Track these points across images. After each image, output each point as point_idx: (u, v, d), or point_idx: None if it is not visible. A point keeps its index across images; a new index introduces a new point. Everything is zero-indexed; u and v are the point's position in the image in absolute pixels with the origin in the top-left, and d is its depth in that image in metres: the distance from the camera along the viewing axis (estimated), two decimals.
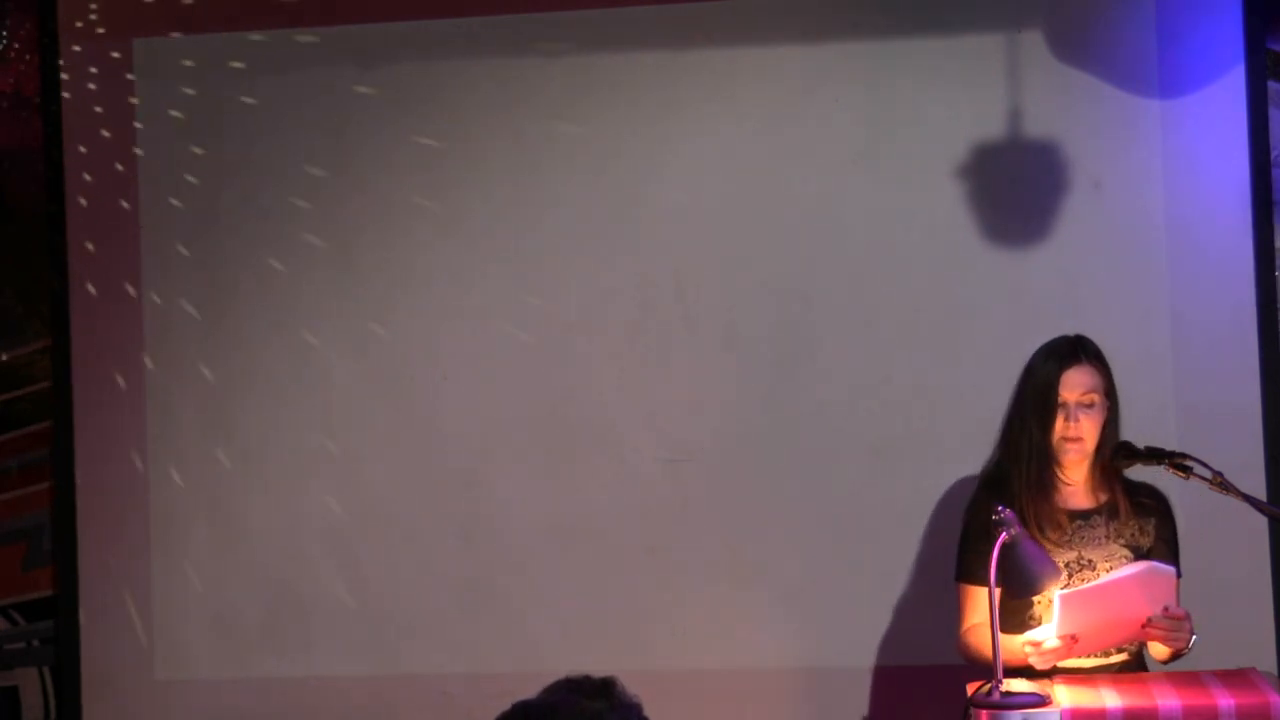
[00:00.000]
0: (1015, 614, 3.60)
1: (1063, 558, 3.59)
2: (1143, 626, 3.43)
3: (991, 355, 4.31)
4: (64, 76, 4.65)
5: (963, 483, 4.30)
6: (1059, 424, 3.61)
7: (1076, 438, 3.60)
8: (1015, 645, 3.48)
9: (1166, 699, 3.21)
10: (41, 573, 4.70)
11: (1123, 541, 3.62)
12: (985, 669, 3.45)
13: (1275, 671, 4.13)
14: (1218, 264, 4.29)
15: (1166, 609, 3.41)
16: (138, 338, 4.62)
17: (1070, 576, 3.59)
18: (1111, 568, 3.58)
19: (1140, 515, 3.64)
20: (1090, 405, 3.60)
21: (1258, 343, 4.27)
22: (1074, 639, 3.39)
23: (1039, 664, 3.41)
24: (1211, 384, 4.27)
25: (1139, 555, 3.62)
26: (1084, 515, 3.64)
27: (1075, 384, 3.61)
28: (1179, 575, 3.64)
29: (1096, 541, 3.62)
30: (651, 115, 4.48)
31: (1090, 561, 3.60)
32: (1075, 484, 3.66)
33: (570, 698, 2.17)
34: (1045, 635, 3.41)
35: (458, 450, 4.52)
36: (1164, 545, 3.64)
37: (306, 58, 4.58)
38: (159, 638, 4.60)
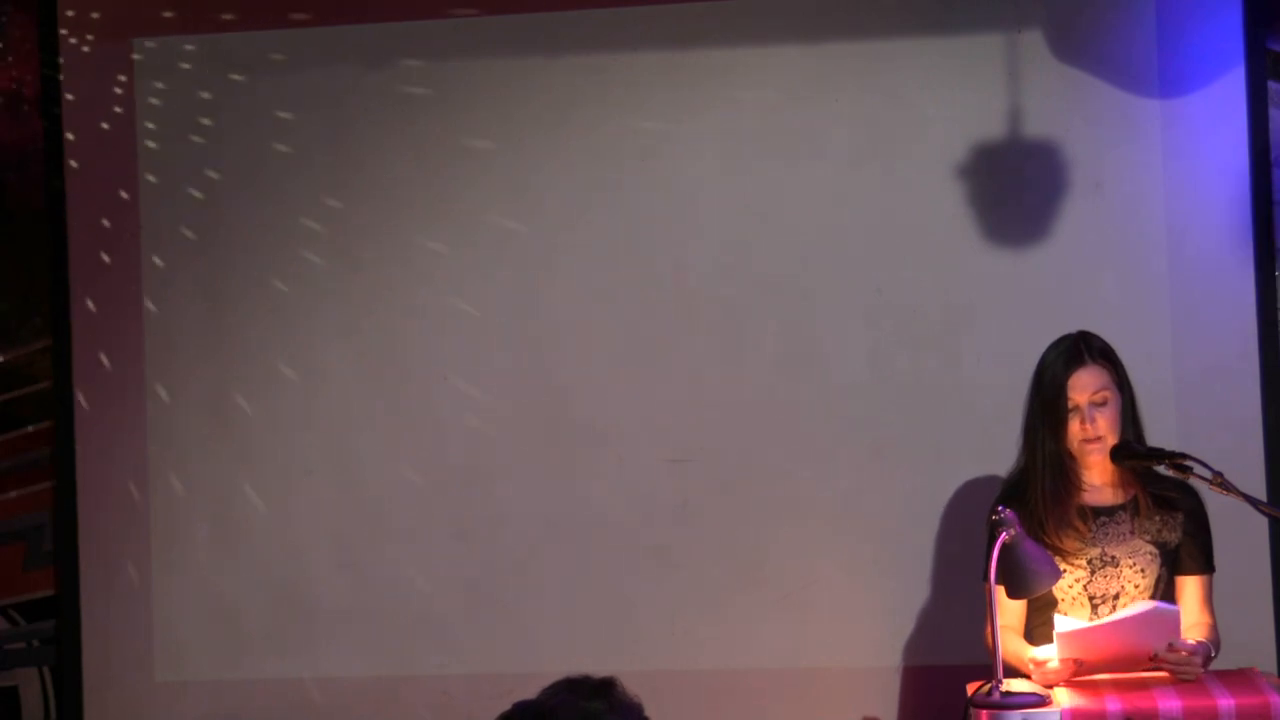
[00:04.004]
0: (1040, 611, 3.60)
1: (1086, 554, 3.59)
2: (1150, 660, 3.41)
3: (991, 355, 4.31)
4: (64, 76, 4.65)
5: (968, 485, 4.30)
6: (1075, 427, 3.60)
7: (1096, 437, 3.59)
8: (1025, 656, 3.49)
9: (1167, 699, 3.21)
10: (41, 573, 4.70)
11: (1148, 537, 3.61)
12: (1009, 669, 3.46)
13: (1275, 671, 4.13)
14: (1218, 264, 4.29)
15: (1172, 645, 3.38)
16: (138, 337, 4.62)
17: (1093, 573, 3.58)
18: (1135, 563, 3.58)
19: (1165, 510, 3.62)
20: (1104, 403, 3.59)
21: (1258, 343, 4.27)
22: (1077, 662, 3.39)
23: (1040, 681, 3.40)
24: (1211, 384, 4.27)
25: (1164, 551, 3.60)
26: (1108, 511, 3.63)
27: (1084, 385, 3.59)
28: (1213, 570, 3.64)
29: (1120, 537, 3.61)
30: (652, 115, 4.48)
31: (1114, 558, 3.59)
32: (1100, 482, 3.66)
33: (570, 698, 2.17)
34: (1048, 657, 3.41)
35: (458, 450, 4.52)
36: (1191, 541, 3.63)
37: (308, 58, 4.58)
38: (159, 638, 4.60)
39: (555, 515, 4.48)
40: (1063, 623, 3.43)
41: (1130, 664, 3.43)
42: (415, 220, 4.55)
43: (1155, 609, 3.40)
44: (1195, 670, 3.38)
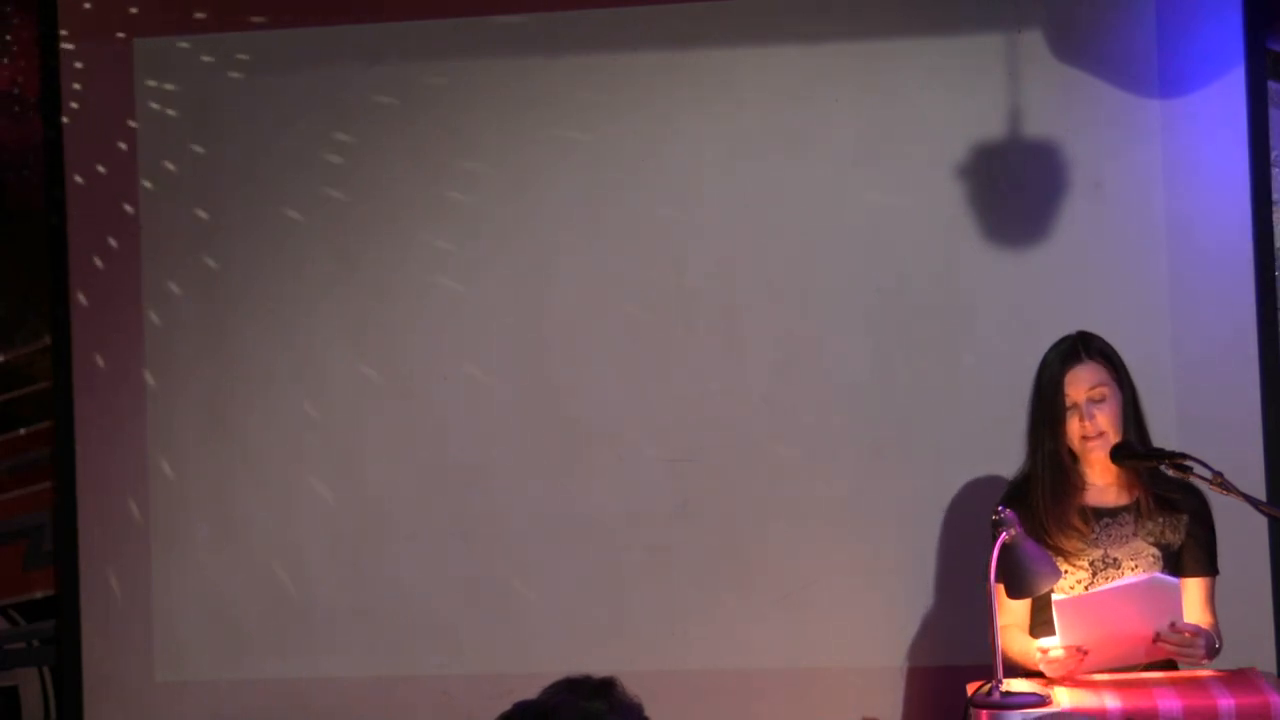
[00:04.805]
0: (1041, 612, 3.60)
1: (1088, 556, 3.59)
2: (1153, 642, 3.42)
3: (991, 355, 4.31)
4: (64, 76, 4.65)
5: (968, 485, 4.30)
6: (1075, 425, 3.60)
7: (1096, 434, 3.59)
8: (1033, 650, 3.49)
9: (1167, 699, 3.21)
10: (41, 573, 4.70)
11: (1151, 540, 3.61)
12: (1016, 668, 3.47)
13: (1275, 671, 4.13)
14: (1218, 264, 4.29)
15: (1174, 625, 3.39)
16: (138, 337, 4.62)
17: (1095, 575, 3.59)
18: (1137, 565, 3.58)
19: (1169, 512, 3.62)
20: (1102, 399, 3.60)
21: (1258, 343, 4.27)
22: (1082, 651, 3.39)
23: (1048, 672, 3.41)
24: (1211, 384, 4.27)
25: (1167, 553, 3.60)
26: (1111, 513, 3.63)
27: (1081, 381, 3.60)
28: (1216, 573, 3.64)
29: (1123, 539, 3.61)
30: (652, 115, 4.48)
31: (1115, 560, 3.59)
32: (1104, 482, 3.65)
33: (570, 698, 2.17)
34: (1052, 644, 3.41)
35: (458, 450, 4.52)
36: (1194, 543, 3.62)
37: (307, 57, 4.58)
38: (159, 638, 4.60)
39: (555, 515, 4.47)
40: (1061, 594, 3.44)
41: (1133, 647, 3.43)
42: (415, 220, 4.55)
43: (1154, 578, 3.42)
44: (1198, 653, 3.39)
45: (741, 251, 4.44)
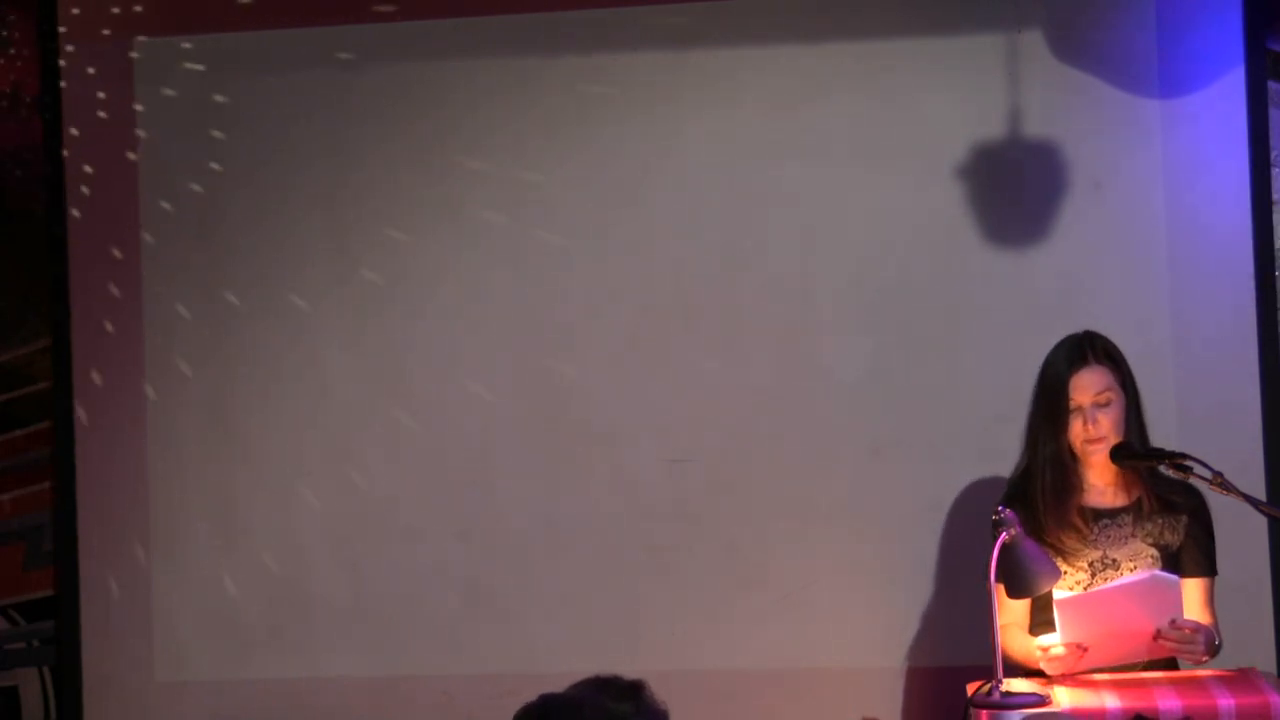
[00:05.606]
0: (1042, 611, 3.60)
1: (1087, 556, 3.59)
2: (1154, 639, 3.42)
3: (991, 355, 4.31)
4: (64, 76, 4.65)
5: (968, 485, 4.30)
6: (1078, 428, 3.59)
7: (1099, 438, 3.58)
8: (1033, 648, 3.49)
9: (1167, 699, 3.21)
10: (41, 573, 4.70)
11: (1150, 540, 3.60)
12: (1017, 668, 3.47)
13: (1275, 671, 4.13)
14: (1218, 264, 4.29)
15: (1174, 621, 3.39)
16: (138, 337, 4.62)
17: (1094, 576, 3.58)
18: (1136, 567, 3.57)
19: (1168, 513, 3.61)
20: (1106, 404, 3.59)
21: (1258, 343, 4.27)
22: (1082, 648, 3.39)
23: (1049, 670, 3.41)
24: (1211, 384, 4.27)
25: (1166, 554, 3.60)
26: (1111, 514, 3.62)
27: (1086, 386, 3.59)
28: (1215, 573, 3.64)
29: (1122, 540, 3.60)
30: (652, 115, 4.48)
31: (1114, 560, 3.59)
32: (1104, 483, 3.65)
33: (596, 696, 2.15)
34: (1052, 641, 3.41)
35: (458, 450, 4.52)
36: (1194, 544, 3.61)
37: (307, 57, 4.58)
38: (159, 638, 4.60)
39: (555, 515, 4.47)
40: (1061, 592, 3.44)
41: (1134, 645, 3.43)
42: (415, 221, 4.55)
43: (1154, 576, 3.41)
44: (1198, 650, 3.39)
45: (742, 251, 4.44)
